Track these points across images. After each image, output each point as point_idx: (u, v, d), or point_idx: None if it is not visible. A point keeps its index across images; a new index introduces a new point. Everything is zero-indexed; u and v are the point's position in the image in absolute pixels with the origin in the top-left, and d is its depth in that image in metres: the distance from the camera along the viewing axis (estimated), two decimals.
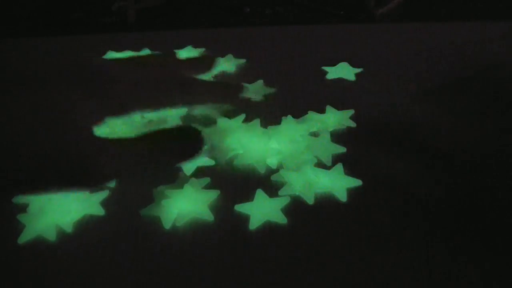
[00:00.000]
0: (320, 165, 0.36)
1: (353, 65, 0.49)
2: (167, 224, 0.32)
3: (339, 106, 0.43)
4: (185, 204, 0.33)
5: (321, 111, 0.42)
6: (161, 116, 0.42)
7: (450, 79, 0.41)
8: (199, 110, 0.42)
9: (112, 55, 0.55)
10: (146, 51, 0.55)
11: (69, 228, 0.32)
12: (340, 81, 0.47)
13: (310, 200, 0.33)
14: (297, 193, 0.34)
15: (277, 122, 0.41)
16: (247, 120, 0.41)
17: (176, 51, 0.54)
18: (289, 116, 0.41)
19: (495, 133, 0.30)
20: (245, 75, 0.49)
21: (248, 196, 0.34)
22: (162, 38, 0.58)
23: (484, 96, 0.31)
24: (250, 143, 0.38)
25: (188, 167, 0.36)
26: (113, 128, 0.40)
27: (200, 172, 0.36)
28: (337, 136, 0.39)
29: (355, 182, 0.34)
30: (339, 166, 0.35)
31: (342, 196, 0.33)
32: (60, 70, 0.37)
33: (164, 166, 0.36)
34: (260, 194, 0.34)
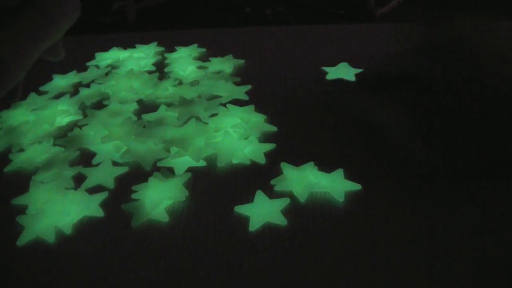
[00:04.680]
0: (321, 168, 0.36)
1: (353, 65, 0.49)
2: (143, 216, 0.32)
3: (339, 106, 0.43)
4: (154, 194, 0.34)
5: (321, 111, 0.42)
6: (158, 116, 0.42)
7: (451, 78, 0.41)
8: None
9: (115, 52, 0.55)
10: (154, 44, 0.56)
11: (68, 230, 0.32)
12: (340, 81, 0.47)
13: (303, 198, 0.33)
14: (293, 191, 0.34)
15: (277, 122, 0.41)
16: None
17: (177, 47, 0.55)
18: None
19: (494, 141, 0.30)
20: (245, 75, 0.49)
21: (248, 197, 0.33)
22: (162, 38, 0.57)
23: (487, 96, 0.31)
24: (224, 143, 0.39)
25: (179, 167, 0.36)
26: (111, 130, 0.40)
27: (194, 174, 0.36)
28: (338, 138, 0.39)
29: (355, 186, 0.34)
30: (340, 171, 0.35)
31: (340, 196, 0.33)
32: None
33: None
34: (259, 196, 0.33)
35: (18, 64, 0.28)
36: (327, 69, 0.49)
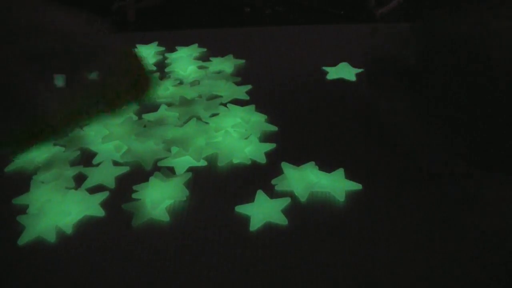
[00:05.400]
0: (322, 167, 0.36)
1: (353, 65, 0.49)
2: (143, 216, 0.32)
3: (339, 106, 0.43)
4: (155, 193, 0.34)
5: (321, 111, 0.42)
6: (159, 116, 0.42)
7: (453, 76, 0.41)
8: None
9: None
10: (154, 44, 0.56)
11: (69, 229, 0.32)
12: (340, 81, 0.47)
13: (304, 198, 0.33)
14: (294, 191, 0.34)
15: (277, 122, 0.41)
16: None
17: (177, 47, 0.55)
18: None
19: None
20: (245, 75, 0.49)
21: (248, 197, 0.33)
22: (162, 38, 0.57)
23: (490, 94, 0.30)
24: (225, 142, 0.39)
25: (180, 167, 0.37)
26: (111, 130, 0.40)
27: (195, 173, 0.36)
28: (339, 137, 0.39)
29: (355, 186, 0.34)
30: (340, 171, 0.35)
31: (341, 196, 0.33)
32: None
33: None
34: (260, 195, 0.33)
35: (67, 131, 0.28)
36: (327, 69, 0.49)
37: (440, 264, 0.28)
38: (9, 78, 0.25)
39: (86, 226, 0.32)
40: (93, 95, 0.29)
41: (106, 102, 0.30)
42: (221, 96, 0.45)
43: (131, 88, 0.32)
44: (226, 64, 0.51)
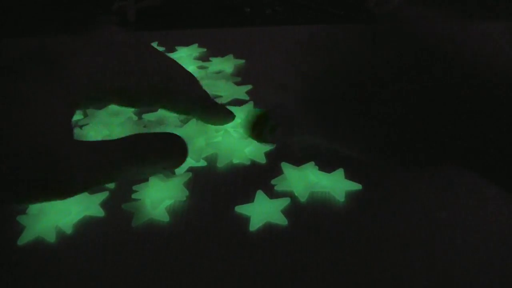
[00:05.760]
0: (322, 167, 0.36)
1: None
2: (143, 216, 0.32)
3: None
4: (154, 193, 0.34)
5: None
6: (159, 116, 0.42)
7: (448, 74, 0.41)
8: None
9: None
10: (154, 44, 0.56)
11: (68, 229, 0.32)
12: None
13: (304, 198, 0.33)
14: (294, 191, 0.34)
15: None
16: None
17: (177, 47, 0.54)
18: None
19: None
20: (245, 75, 0.49)
21: (248, 197, 0.33)
22: (162, 38, 0.57)
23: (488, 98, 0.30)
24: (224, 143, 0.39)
25: (180, 167, 0.36)
26: (111, 130, 0.40)
27: (194, 173, 0.36)
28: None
29: (355, 186, 0.34)
30: (340, 171, 0.35)
31: (341, 196, 0.33)
32: None
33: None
34: (260, 195, 0.33)
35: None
36: None
37: (441, 264, 0.28)
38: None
39: (86, 226, 0.32)
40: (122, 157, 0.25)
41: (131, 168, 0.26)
42: (221, 96, 0.45)
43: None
44: (226, 64, 0.51)
